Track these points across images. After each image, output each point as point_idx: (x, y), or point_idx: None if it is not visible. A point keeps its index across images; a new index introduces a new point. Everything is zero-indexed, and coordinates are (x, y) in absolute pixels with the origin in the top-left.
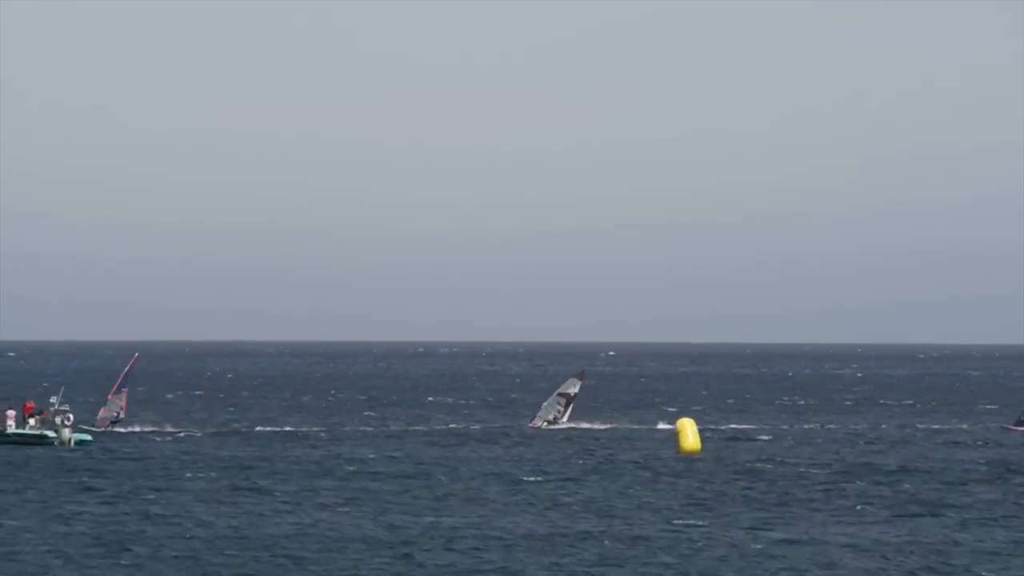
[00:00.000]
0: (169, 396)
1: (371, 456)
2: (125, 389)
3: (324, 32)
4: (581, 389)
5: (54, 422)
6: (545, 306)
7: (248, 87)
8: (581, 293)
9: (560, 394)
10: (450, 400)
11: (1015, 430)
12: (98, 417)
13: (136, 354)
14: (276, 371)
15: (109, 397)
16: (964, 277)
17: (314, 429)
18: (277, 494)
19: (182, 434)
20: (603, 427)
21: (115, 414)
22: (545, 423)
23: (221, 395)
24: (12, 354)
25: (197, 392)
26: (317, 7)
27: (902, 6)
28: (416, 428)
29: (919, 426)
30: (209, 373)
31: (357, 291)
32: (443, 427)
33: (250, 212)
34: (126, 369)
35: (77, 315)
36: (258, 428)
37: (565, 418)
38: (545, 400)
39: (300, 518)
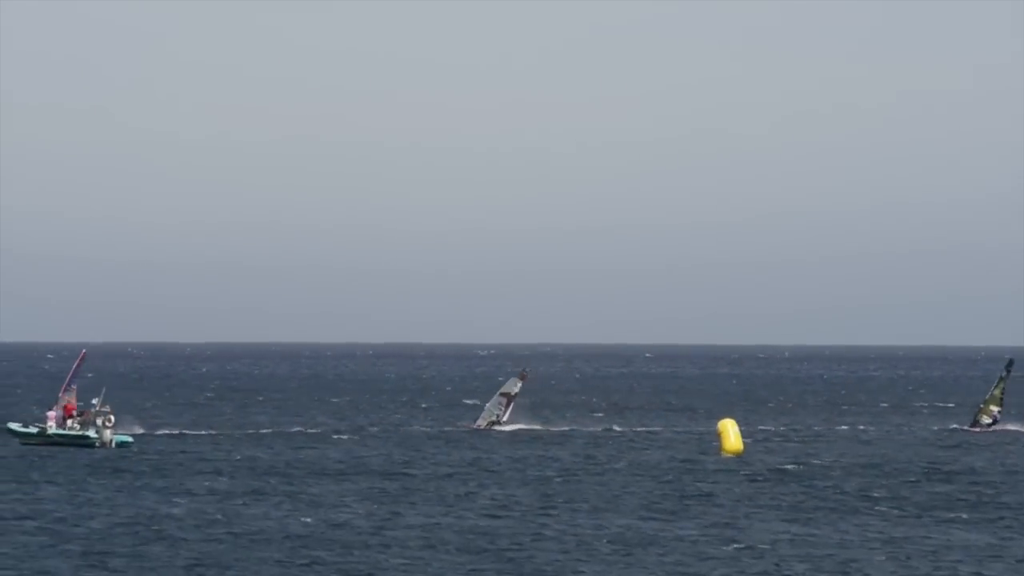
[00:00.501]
0: (208, 395)
1: (401, 457)
2: (74, 387)
3: (324, 32)
4: (522, 389)
5: (95, 423)
6: (545, 306)
7: (248, 87)
8: (581, 293)
9: (502, 394)
10: (484, 402)
11: (971, 431)
12: (50, 416)
13: (83, 351)
14: (312, 372)
15: (60, 395)
16: (964, 277)
17: (348, 430)
18: (303, 496)
19: (219, 435)
20: (640, 429)
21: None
22: (488, 423)
23: (260, 397)
24: (51, 356)
25: (235, 393)
26: (317, 7)
27: (902, 6)
28: (448, 429)
29: (953, 427)
30: (255, 373)
31: (357, 291)
32: (479, 428)
33: (250, 212)
34: (74, 366)
35: (77, 315)
36: (295, 429)
37: (506, 417)
38: (488, 401)
39: (325, 518)
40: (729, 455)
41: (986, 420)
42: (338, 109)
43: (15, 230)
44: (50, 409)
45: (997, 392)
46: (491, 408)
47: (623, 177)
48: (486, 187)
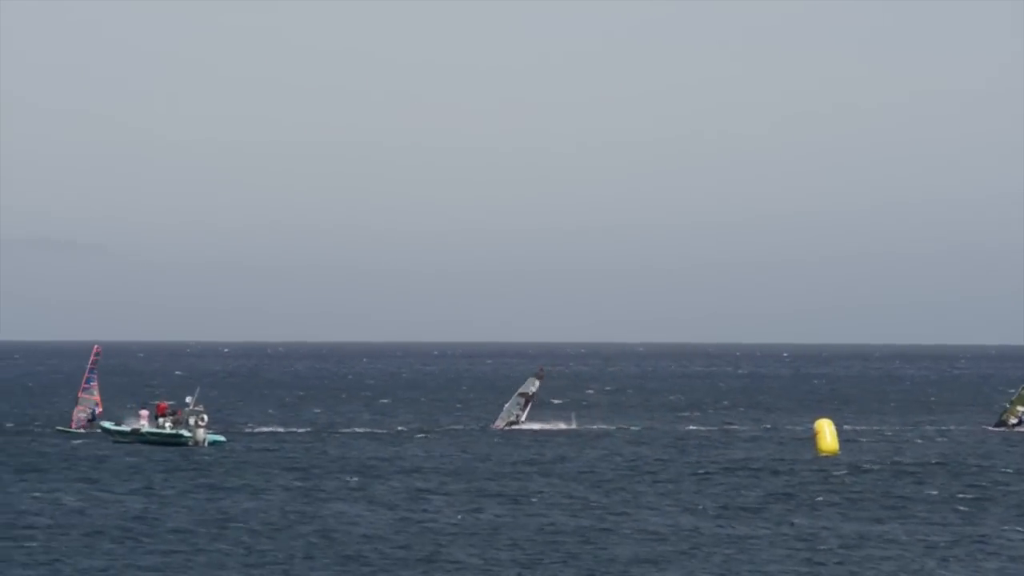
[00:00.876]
0: (300, 393)
1: (484, 455)
2: (94, 383)
3: (324, 32)
4: (540, 388)
5: (188, 422)
6: (545, 306)
7: (248, 88)
8: (581, 293)
9: (520, 394)
10: (559, 401)
11: (996, 431)
12: (73, 418)
13: (96, 347)
14: (398, 370)
15: (79, 395)
16: (964, 277)
17: (433, 428)
18: (385, 495)
19: (306, 434)
20: (727, 427)
21: (91, 411)
22: (506, 424)
23: (343, 395)
24: (141, 355)
25: (323, 392)
26: (317, 7)
27: (902, 6)
28: (535, 427)
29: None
30: (344, 372)
31: (357, 291)
32: (564, 428)
33: (250, 212)
34: (89, 364)
35: (77, 315)
36: (381, 428)
37: (524, 416)
38: (507, 401)
39: (406, 516)
40: (824, 455)
41: (1012, 420)
42: (338, 109)
43: (16, 230)
44: (78, 409)
45: None
46: (510, 408)
47: (623, 177)
48: (486, 187)
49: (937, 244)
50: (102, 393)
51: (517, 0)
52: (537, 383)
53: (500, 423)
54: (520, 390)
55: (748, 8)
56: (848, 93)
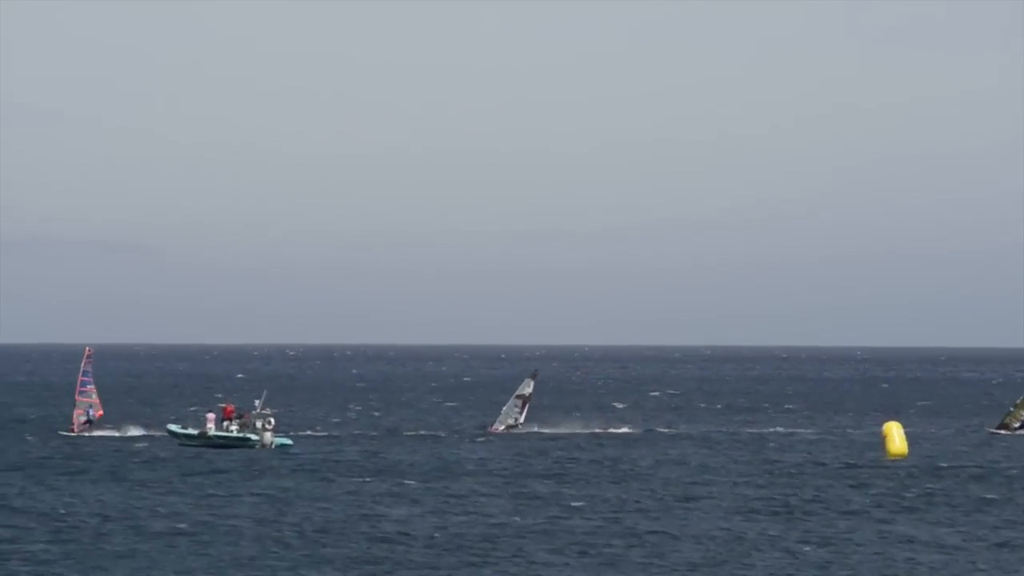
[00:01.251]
0: (365, 396)
1: (540, 458)
2: (90, 386)
3: (324, 34)
4: (534, 388)
5: (255, 425)
6: (545, 306)
7: (248, 89)
8: (581, 293)
9: (517, 396)
10: (622, 404)
11: (998, 433)
12: (74, 420)
13: (88, 349)
14: (457, 372)
15: (77, 398)
16: (964, 279)
17: (491, 432)
18: (439, 498)
19: (368, 437)
20: (795, 431)
21: (87, 413)
22: (506, 427)
23: (405, 397)
24: (207, 358)
25: (384, 395)
26: (317, 9)
27: (902, 7)
28: (597, 431)
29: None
30: (409, 374)
31: (357, 291)
32: (626, 431)
33: (250, 212)
34: (82, 366)
35: (79, 316)
36: (440, 431)
37: (522, 419)
38: (505, 404)
39: (460, 519)
40: (892, 458)
41: (1015, 424)
42: (338, 110)
43: (16, 230)
44: (76, 412)
45: None
46: (508, 411)
47: (623, 177)
48: (486, 187)
49: (937, 244)
50: (107, 396)
51: (517, 0)
52: (532, 384)
53: (499, 426)
54: (517, 392)
55: (748, 9)
56: (848, 93)
